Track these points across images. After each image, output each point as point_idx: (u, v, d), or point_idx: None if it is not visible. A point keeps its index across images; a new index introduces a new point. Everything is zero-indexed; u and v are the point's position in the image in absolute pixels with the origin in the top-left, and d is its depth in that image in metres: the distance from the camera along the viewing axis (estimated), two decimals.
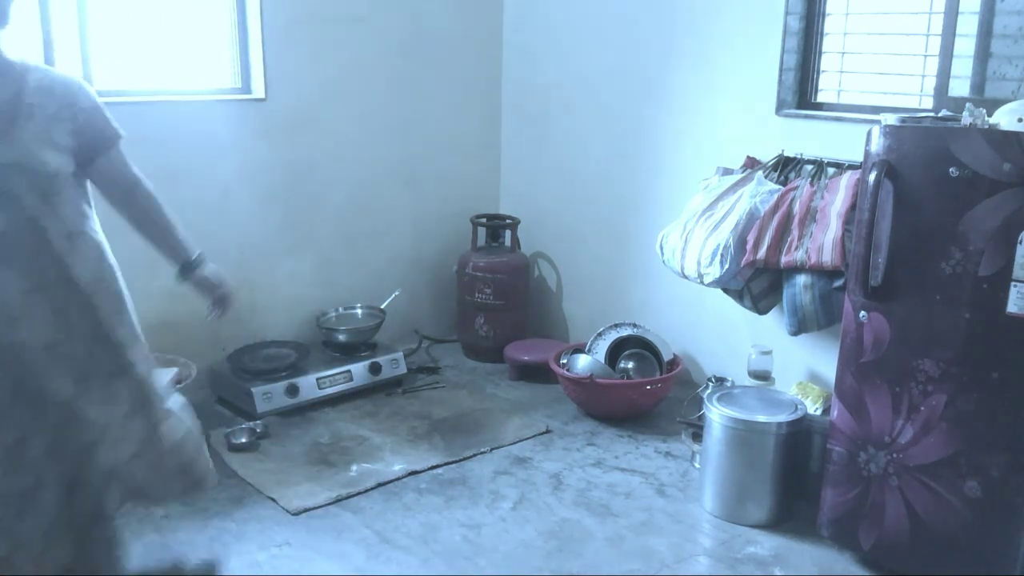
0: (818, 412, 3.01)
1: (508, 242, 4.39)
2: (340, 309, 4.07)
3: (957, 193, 2.28)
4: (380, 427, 3.50)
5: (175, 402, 2.37)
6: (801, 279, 3.04)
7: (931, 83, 3.08)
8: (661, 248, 3.42)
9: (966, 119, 2.43)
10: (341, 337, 3.86)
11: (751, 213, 3.15)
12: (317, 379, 3.63)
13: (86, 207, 2.18)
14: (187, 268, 2.35)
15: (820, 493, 2.71)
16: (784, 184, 3.22)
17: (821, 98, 3.42)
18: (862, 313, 2.50)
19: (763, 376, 3.30)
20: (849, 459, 2.59)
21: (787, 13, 3.33)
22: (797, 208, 3.09)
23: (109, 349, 2.15)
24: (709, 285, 3.25)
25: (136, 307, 3.50)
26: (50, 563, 2.08)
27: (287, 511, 2.85)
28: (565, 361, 3.76)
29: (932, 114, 2.66)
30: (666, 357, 3.71)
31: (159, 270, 3.55)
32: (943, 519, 2.41)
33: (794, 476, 2.89)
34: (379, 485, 3.04)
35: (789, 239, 3.07)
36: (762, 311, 3.29)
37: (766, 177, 3.27)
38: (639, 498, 3.01)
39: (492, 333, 4.23)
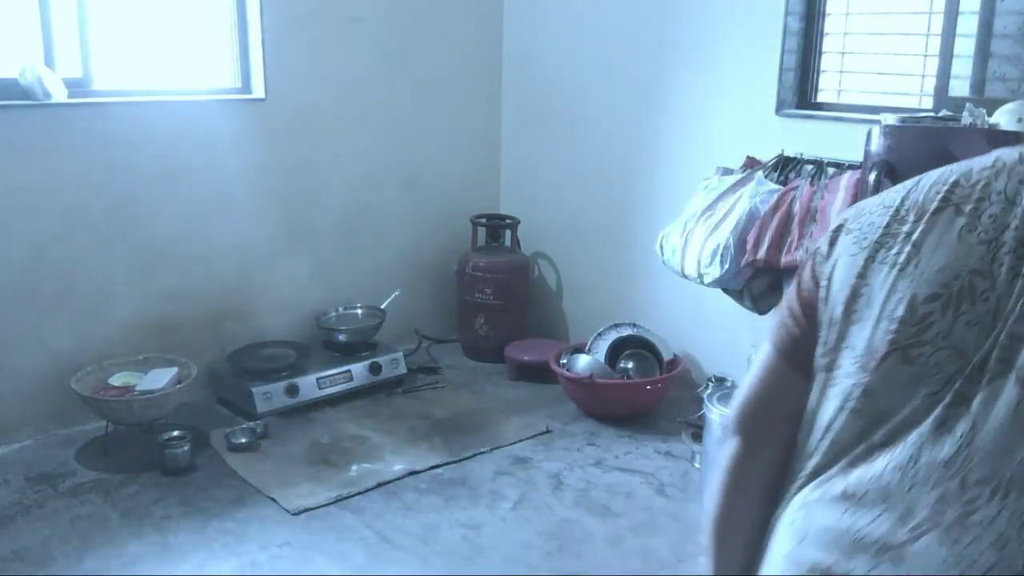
0: None
1: (508, 242, 4.39)
2: (340, 309, 4.07)
3: None
4: (380, 427, 3.49)
5: None
6: None
7: (931, 83, 3.07)
8: (661, 248, 3.42)
9: (966, 119, 2.43)
10: (341, 337, 3.86)
11: (751, 213, 3.15)
12: (317, 379, 3.63)
13: None
14: None
15: None
16: (784, 184, 3.22)
17: (821, 98, 3.42)
18: None
19: None
20: None
21: (787, 13, 3.33)
22: (797, 208, 3.08)
23: None
24: (709, 285, 3.24)
25: (136, 307, 3.54)
26: None
27: (287, 511, 2.85)
28: (565, 361, 3.76)
29: (932, 114, 2.66)
30: (666, 357, 3.71)
31: (160, 270, 3.57)
32: None
33: None
34: (379, 485, 3.03)
35: (789, 239, 3.06)
36: (762, 311, 3.28)
37: (766, 177, 3.27)
38: (639, 498, 3.01)
39: (492, 333, 4.22)
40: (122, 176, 3.40)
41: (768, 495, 1.06)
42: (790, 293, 1.08)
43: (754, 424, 1.11)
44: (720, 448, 2.85)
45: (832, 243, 1.04)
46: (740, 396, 1.13)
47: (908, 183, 1.03)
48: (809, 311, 1.04)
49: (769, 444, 1.08)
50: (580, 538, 2.77)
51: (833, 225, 1.06)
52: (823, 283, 1.02)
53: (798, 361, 1.04)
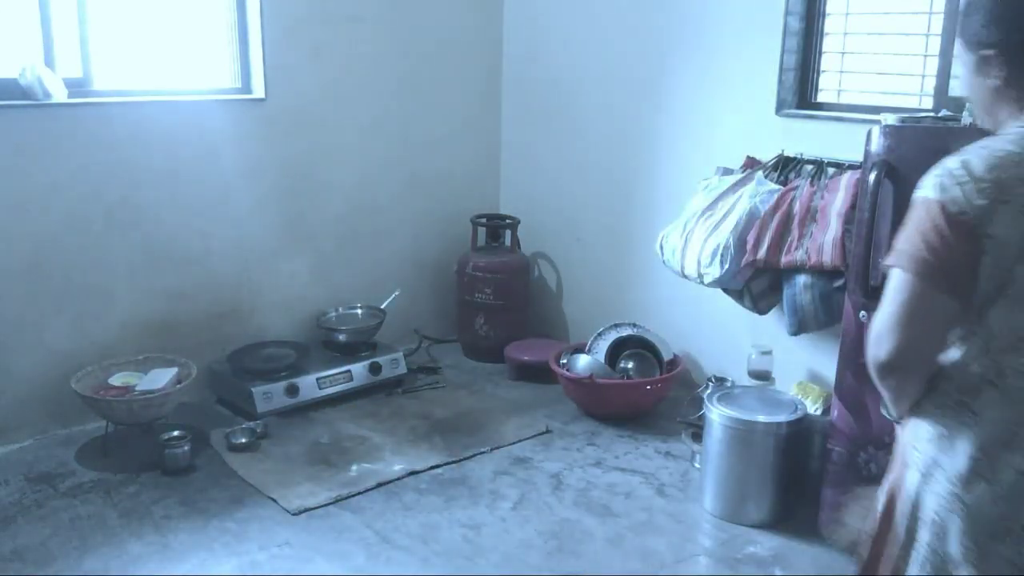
0: (818, 412, 3.01)
1: (508, 242, 4.39)
2: (340, 309, 4.07)
3: None
4: (380, 427, 3.49)
5: None
6: (801, 279, 3.04)
7: (931, 83, 3.07)
8: (661, 248, 3.42)
9: (966, 119, 2.43)
10: (341, 337, 3.86)
11: (751, 213, 3.15)
12: (317, 379, 3.63)
13: None
14: None
15: (820, 493, 2.71)
16: (784, 184, 3.22)
17: (821, 98, 3.42)
18: (862, 313, 2.49)
19: (763, 376, 3.29)
20: (849, 459, 2.59)
21: (787, 13, 3.33)
22: (797, 208, 3.08)
23: None
24: (709, 285, 3.24)
25: (136, 307, 3.54)
26: None
27: (287, 511, 2.85)
28: (565, 361, 3.76)
29: (932, 114, 2.66)
30: (666, 357, 3.71)
31: (160, 270, 3.57)
32: None
33: (794, 476, 2.89)
34: (379, 485, 3.04)
35: (789, 239, 3.06)
36: (762, 311, 3.28)
37: (766, 177, 3.27)
38: (639, 498, 3.01)
39: (492, 333, 4.22)
40: (122, 176, 3.41)
41: None
42: (928, 235, 1.32)
43: (912, 363, 1.40)
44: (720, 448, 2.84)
45: (995, 200, 1.29)
46: (896, 341, 1.36)
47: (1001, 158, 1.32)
48: (962, 254, 1.31)
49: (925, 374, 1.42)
50: (580, 538, 2.77)
51: (990, 195, 1.29)
52: (989, 235, 1.29)
53: (939, 284, 1.32)
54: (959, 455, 1.36)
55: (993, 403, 1.35)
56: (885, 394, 1.48)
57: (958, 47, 1.50)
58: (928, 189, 1.35)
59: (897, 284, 1.36)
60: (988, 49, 1.42)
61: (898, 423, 1.52)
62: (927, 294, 1.33)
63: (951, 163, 1.35)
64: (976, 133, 2.26)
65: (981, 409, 1.35)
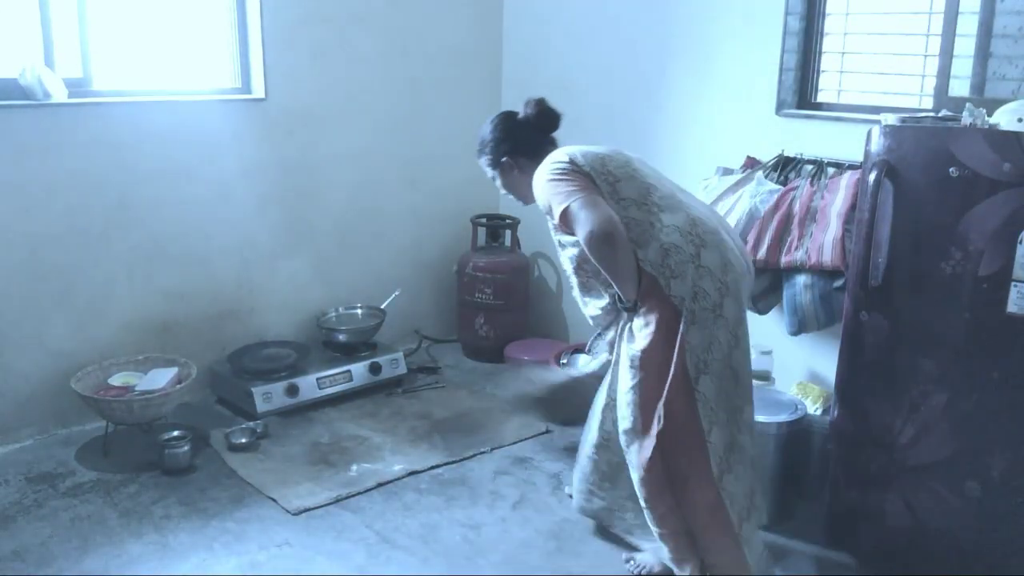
0: (818, 412, 3.01)
1: (508, 242, 4.39)
2: (340, 309, 4.07)
3: (957, 193, 2.28)
4: (380, 427, 3.50)
5: None
6: (801, 279, 3.04)
7: (931, 83, 3.07)
8: None
9: (966, 119, 2.43)
10: (341, 337, 3.86)
11: (751, 213, 3.15)
12: (317, 379, 3.63)
13: None
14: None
15: (820, 493, 2.71)
16: (784, 184, 3.22)
17: (821, 98, 3.42)
18: (862, 313, 2.50)
19: (763, 376, 3.29)
20: (849, 459, 2.59)
21: (787, 13, 3.33)
22: (797, 208, 3.08)
23: None
24: None
25: (136, 307, 3.54)
26: None
27: (287, 511, 2.85)
28: (565, 361, 3.76)
29: (932, 114, 2.66)
30: None
31: (160, 270, 3.57)
32: (943, 519, 2.41)
33: (794, 476, 2.89)
34: (379, 485, 3.04)
35: (789, 239, 3.06)
36: (762, 311, 3.28)
37: (766, 177, 3.27)
38: None
39: (492, 333, 4.22)
40: (122, 176, 3.41)
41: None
42: (569, 181, 2.38)
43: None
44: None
45: (589, 164, 2.46)
46: (594, 217, 2.25)
47: None
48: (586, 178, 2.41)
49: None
50: (580, 538, 2.77)
51: (586, 161, 2.46)
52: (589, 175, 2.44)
53: (589, 187, 2.37)
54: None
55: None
56: (608, 268, 2.26)
57: (487, 170, 2.88)
58: (554, 168, 2.39)
59: (575, 206, 2.25)
60: (504, 157, 2.73)
61: (634, 309, 2.32)
62: (588, 194, 2.27)
63: (560, 156, 2.43)
64: (976, 133, 2.27)
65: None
